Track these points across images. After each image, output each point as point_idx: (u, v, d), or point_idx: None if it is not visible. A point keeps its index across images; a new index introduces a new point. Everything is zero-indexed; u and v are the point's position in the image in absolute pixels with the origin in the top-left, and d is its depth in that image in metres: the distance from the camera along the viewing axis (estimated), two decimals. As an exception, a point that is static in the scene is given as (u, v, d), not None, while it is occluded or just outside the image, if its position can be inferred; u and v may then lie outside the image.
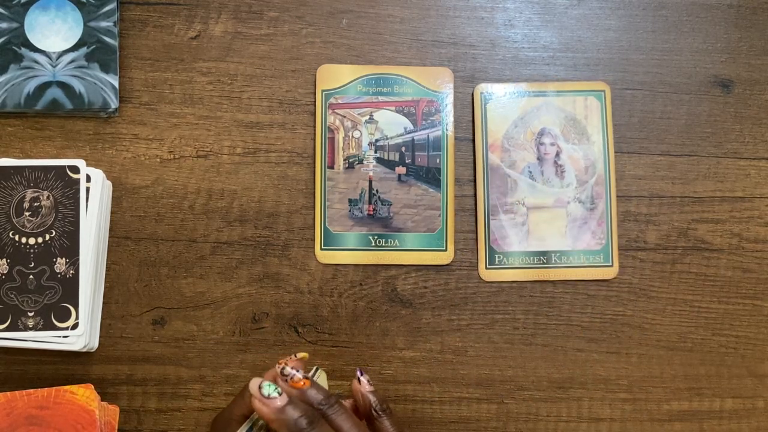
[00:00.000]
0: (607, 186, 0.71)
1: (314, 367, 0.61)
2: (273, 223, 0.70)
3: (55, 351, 0.66)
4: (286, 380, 0.54)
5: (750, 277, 0.71)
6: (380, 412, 0.57)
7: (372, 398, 0.58)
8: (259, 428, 0.54)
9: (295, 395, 0.53)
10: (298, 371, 0.54)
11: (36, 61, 0.68)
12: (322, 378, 0.60)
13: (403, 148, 0.71)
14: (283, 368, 0.54)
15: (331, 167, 0.70)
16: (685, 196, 0.72)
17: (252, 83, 0.71)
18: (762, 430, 0.70)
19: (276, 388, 0.52)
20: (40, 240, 0.64)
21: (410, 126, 0.71)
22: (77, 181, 0.65)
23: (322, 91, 0.71)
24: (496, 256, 0.70)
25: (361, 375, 0.59)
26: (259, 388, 0.52)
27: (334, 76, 0.71)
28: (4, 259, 0.64)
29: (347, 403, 0.59)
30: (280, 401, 0.51)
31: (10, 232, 0.64)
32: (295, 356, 0.57)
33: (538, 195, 0.71)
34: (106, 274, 0.68)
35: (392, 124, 0.71)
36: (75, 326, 0.63)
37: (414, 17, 0.72)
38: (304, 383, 0.53)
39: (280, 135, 0.71)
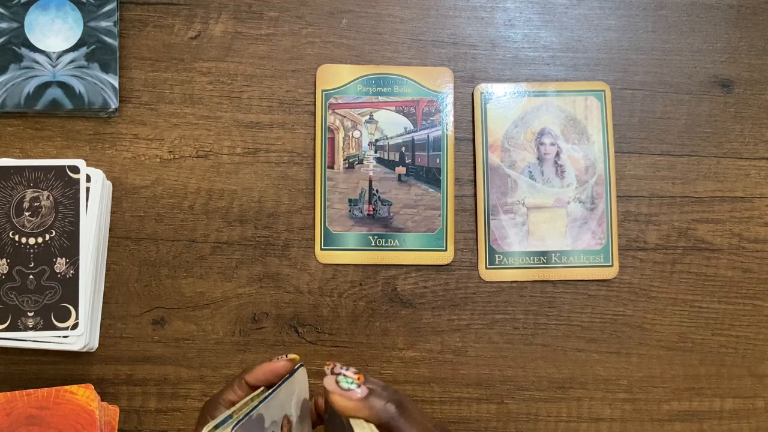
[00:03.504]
0: (607, 186, 0.71)
1: (298, 364, 0.59)
2: (273, 223, 0.70)
3: (55, 351, 0.66)
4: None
5: (750, 277, 0.71)
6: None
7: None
8: (240, 414, 0.54)
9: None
10: (348, 368, 0.54)
11: (36, 61, 0.68)
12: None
13: (403, 148, 0.71)
14: (333, 368, 0.54)
15: (331, 167, 0.70)
16: (685, 196, 0.72)
17: (252, 83, 0.71)
18: (762, 430, 0.70)
19: (353, 381, 0.52)
20: (40, 240, 0.64)
21: (410, 126, 0.71)
22: (77, 181, 0.65)
23: (322, 91, 0.71)
24: (496, 256, 0.70)
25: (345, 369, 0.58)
26: (337, 383, 0.52)
27: (334, 76, 0.71)
28: (4, 259, 0.64)
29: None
30: (361, 392, 0.51)
31: (10, 232, 0.64)
32: (286, 357, 0.57)
33: (538, 195, 0.71)
34: (106, 274, 0.68)
35: (392, 124, 0.71)
36: (75, 326, 0.63)
37: (414, 17, 0.72)
38: (359, 378, 0.53)
39: (280, 135, 0.71)
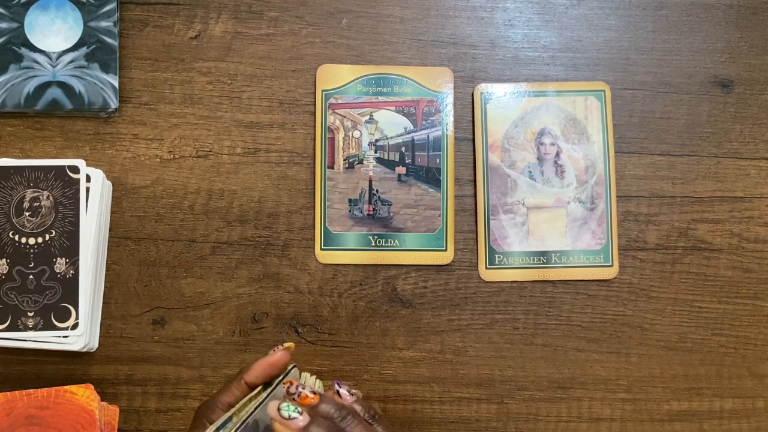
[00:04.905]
0: (607, 186, 0.71)
1: (291, 365, 0.59)
2: (273, 223, 0.70)
3: (55, 351, 0.66)
4: (294, 399, 0.53)
5: (750, 277, 0.71)
6: (371, 420, 0.56)
7: (357, 408, 0.56)
8: (239, 419, 0.54)
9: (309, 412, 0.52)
10: (304, 388, 0.53)
11: (36, 61, 0.68)
12: (318, 388, 0.59)
13: (403, 148, 0.71)
14: (289, 387, 0.53)
15: (331, 167, 0.70)
16: (685, 196, 0.72)
17: (252, 83, 0.71)
18: (762, 430, 0.70)
19: (296, 408, 0.51)
20: (40, 240, 0.64)
21: (410, 126, 0.71)
22: (77, 181, 0.65)
23: (322, 91, 0.71)
24: (496, 256, 0.70)
25: (340, 387, 0.57)
26: (278, 410, 0.52)
27: (334, 76, 0.71)
28: (4, 259, 0.64)
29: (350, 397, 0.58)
30: (302, 421, 0.51)
31: (10, 232, 0.64)
32: (282, 346, 0.56)
33: (538, 195, 0.71)
34: (106, 274, 0.68)
35: (392, 124, 0.71)
36: (75, 326, 0.63)
37: (414, 17, 0.72)
38: (314, 398, 0.53)
39: (280, 135, 0.71)
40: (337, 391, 0.57)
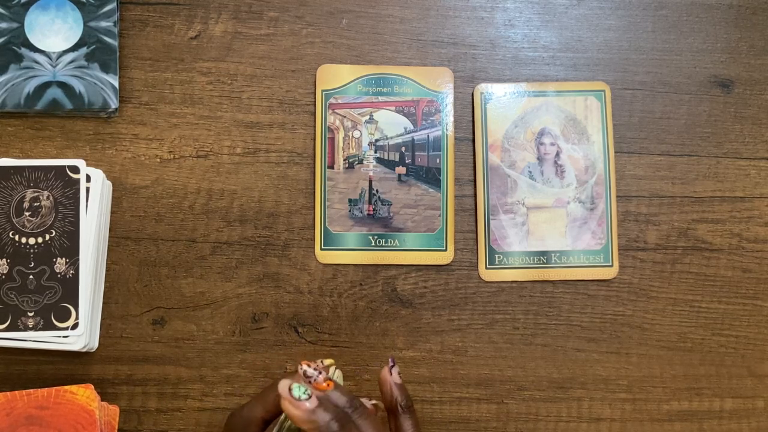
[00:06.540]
0: (607, 186, 0.71)
1: (332, 367, 0.60)
2: (273, 223, 0.70)
3: (55, 351, 0.66)
4: (309, 382, 0.53)
5: (750, 277, 0.71)
6: (405, 409, 0.56)
7: (398, 393, 0.56)
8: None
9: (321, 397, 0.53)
10: (320, 373, 0.53)
11: (36, 61, 0.68)
12: (338, 377, 0.59)
13: (403, 148, 0.71)
14: (306, 370, 0.53)
15: (331, 167, 0.70)
16: (685, 196, 0.72)
17: (252, 83, 0.71)
18: (762, 430, 0.70)
19: (306, 390, 0.51)
20: (40, 240, 0.64)
21: (410, 126, 0.71)
22: (77, 181, 0.65)
23: (322, 91, 0.71)
24: (496, 256, 0.70)
25: (393, 366, 0.57)
26: (289, 389, 0.51)
27: (334, 76, 0.71)
28: (4, 259, 0.64)
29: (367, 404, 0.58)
30: (311, 404, 0.51)
31: (10, 232, 0.64)
32: (322, 362, 0.56)
33: (538, 195, 0.71)
34: (106, 274, 0.68)
35: (392, 124, 0.71)
36: (75, 326, 0.63)
37: (414, 17, 0.72)
38: (328, 385, 0.53)
39: (280, 135, 0.71)
40: (390, 369, 0.58)
